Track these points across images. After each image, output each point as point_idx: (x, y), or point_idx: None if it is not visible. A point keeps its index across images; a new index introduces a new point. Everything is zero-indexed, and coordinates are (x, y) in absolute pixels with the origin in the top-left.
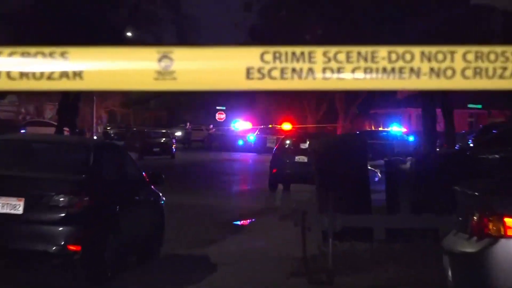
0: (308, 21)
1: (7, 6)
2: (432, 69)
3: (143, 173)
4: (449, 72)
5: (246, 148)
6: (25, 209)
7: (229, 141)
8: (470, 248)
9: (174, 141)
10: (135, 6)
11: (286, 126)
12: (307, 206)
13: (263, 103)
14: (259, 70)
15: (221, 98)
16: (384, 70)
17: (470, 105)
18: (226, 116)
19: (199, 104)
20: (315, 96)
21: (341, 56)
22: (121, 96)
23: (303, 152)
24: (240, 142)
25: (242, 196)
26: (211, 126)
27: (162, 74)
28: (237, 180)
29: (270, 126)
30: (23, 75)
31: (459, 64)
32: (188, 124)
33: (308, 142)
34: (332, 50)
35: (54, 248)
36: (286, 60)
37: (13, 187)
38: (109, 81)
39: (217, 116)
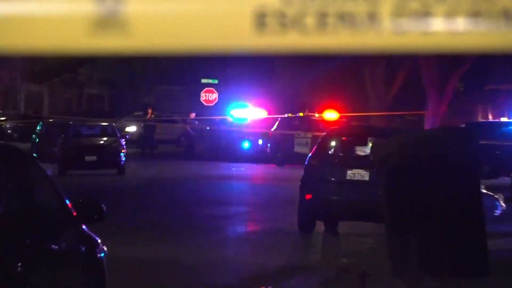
0: None
1: None
2: None
3: (67, 202)
4: None
5: (256, 156)
6: None
7: (225, 143)
8: None
9: (123, 142)
10: None
11: (330, 116)
12: (370, 263)
13: (287, 74)
14: (278, 16)
15: (210, 65)
16: (506, 13)
17: None
18: (219, 96)
19: (171, 76)
20: (383, 63)
21: None
22: (26, 62)
23: (361, 162)
24: (246, 145)
25: (250, 244)
26: (193, 114)
27: (103, 22)
28: (240, 214)
29: (300, 115)
30: None
31: None
32: (149, 110)
33: (370, 145)
34: None
35: None
36: None
37: None
38: (6, 35)
39: (203, 96)
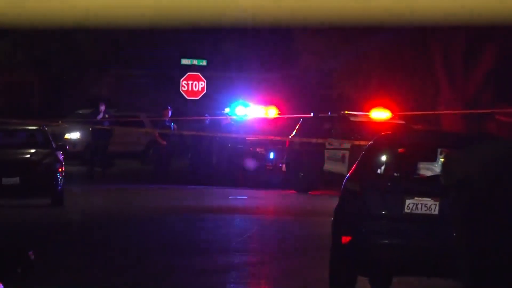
0: None
1: None
2: None
3: None
4: None
5: (266, 177)
6: None
7: (218, 157)
8: None
9: (61, 156)
10: None
11: (378, 115)
12: None
13: (314, 54)
14: None
15: (196, 38)
16: None
17: None
18: (207, 85)
19: (135, 55)
20: (461, 36)
21: None
22: None
23: (428, 187)
24: (250, 160)
25: None
26: (168, 112)
27: None
28: (242, 267)
29: (338, 114)
30: None
31: None
32: (102, 108)
33: (442, 160)
34: None
35: None
36: None
37: None
38: None
39: (184, 85)
